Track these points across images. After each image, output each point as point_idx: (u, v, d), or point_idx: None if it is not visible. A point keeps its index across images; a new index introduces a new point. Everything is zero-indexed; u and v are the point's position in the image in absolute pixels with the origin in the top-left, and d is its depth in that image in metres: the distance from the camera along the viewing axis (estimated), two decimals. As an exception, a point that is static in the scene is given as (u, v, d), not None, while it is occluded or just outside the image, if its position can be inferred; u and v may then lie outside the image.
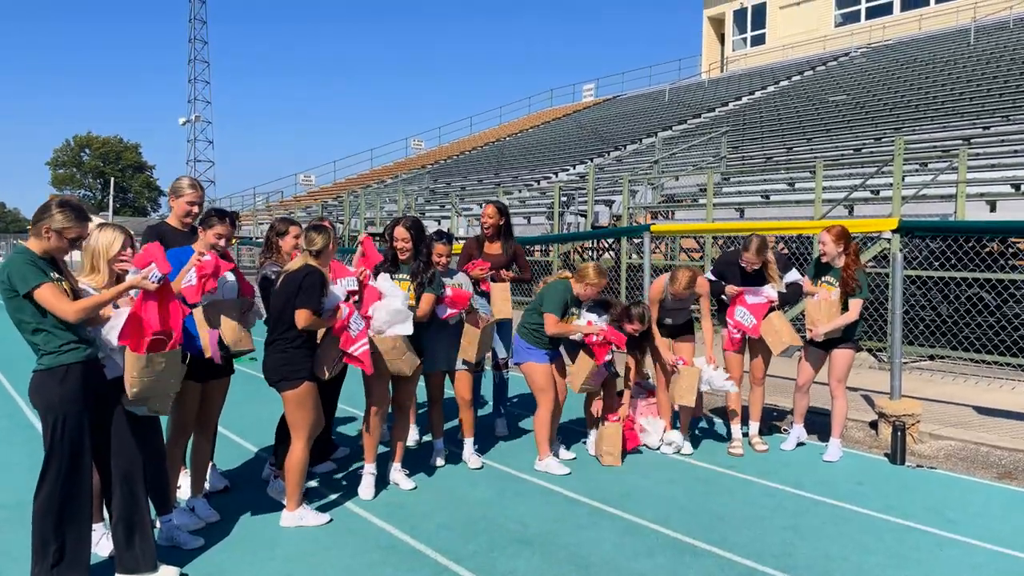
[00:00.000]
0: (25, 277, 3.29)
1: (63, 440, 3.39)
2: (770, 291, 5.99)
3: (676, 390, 5.82)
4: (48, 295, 3.30)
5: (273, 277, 4.76)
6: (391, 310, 4.75)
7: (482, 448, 5.91)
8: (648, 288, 8.38)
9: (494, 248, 6.46)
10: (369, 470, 4.97)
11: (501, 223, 6.46)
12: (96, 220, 3.83)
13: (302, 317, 4.23)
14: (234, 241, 18.53)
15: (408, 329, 4.83)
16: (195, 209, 4.62)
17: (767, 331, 5.93)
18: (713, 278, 6.19)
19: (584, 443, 6.12)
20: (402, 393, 5.13)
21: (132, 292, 3.57)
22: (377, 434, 4.99)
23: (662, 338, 6.12)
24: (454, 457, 5.72)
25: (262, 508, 4.69)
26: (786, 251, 5.85)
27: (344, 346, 4.43)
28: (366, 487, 4.92)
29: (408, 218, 5.18)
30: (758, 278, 6.00)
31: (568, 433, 6.33)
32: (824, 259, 5.86)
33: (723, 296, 6.09)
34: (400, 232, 5.03)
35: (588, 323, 5.50)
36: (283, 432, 4.90)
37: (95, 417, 3.51)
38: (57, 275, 3.41)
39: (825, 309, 5.76)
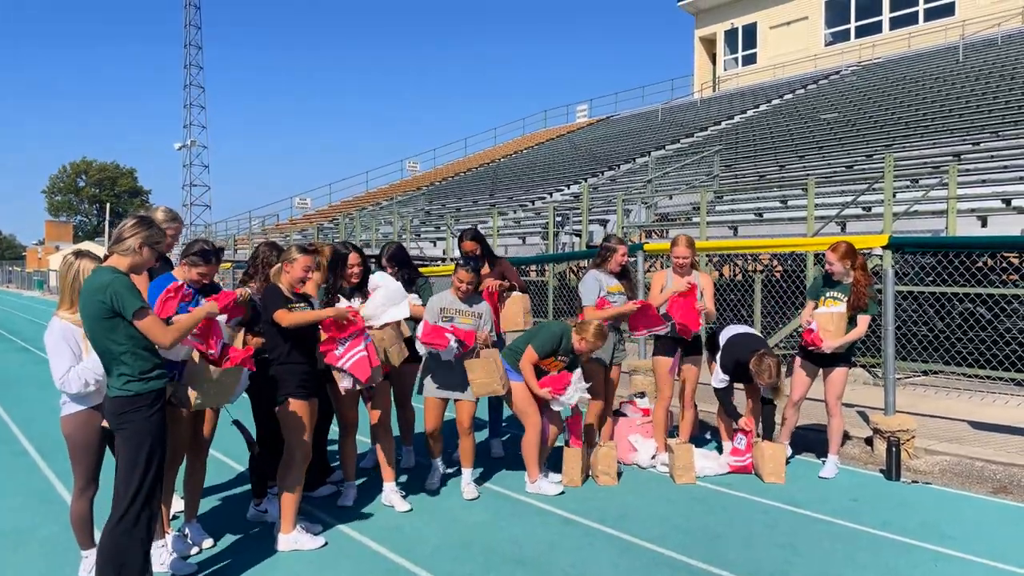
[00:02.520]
0: (132, 299, 3.31)
1: (152, 466, 3.43)
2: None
3: (673, 470, 5.79)
4: (151, 322, 3.36)
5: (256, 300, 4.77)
6: (389, 291, 4.99)
7: (477, 469, 5.89)
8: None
9: (483, 272, 6.46)
10: (349, 484, 5.29)
11: (480, 249, 6.46)
12: (84, 246, 3.90)
13: (280, 319, 4.34)
14: (228, 265, 18.57)
15: (404, 311, 5.11)
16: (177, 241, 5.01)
17: (757, 459, 5.89)
18: (724, 377, 6.04)
19: None
20: (378, 409, 5.20)
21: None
22: (351, 453, 5.27)
23: (667, 358, 6.12)
24: (449, 478, 5.71)
25: (256, 532, 4.68)
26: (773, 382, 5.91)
27: (331, 361, 4.60)
28: (346, 497, 5.23)
29: (393, 244, 5.67)
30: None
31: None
32: (835, 277, 5.84)
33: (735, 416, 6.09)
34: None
35: (552, 390, 5.44)
36: (256, 462, 4.93)
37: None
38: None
39: (836, 322, 5.74)
